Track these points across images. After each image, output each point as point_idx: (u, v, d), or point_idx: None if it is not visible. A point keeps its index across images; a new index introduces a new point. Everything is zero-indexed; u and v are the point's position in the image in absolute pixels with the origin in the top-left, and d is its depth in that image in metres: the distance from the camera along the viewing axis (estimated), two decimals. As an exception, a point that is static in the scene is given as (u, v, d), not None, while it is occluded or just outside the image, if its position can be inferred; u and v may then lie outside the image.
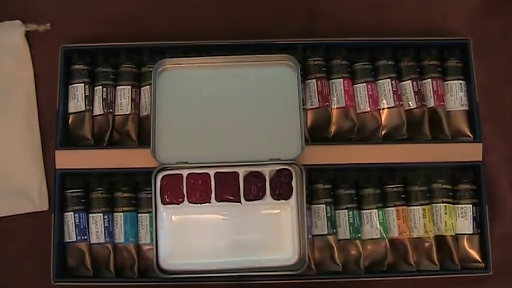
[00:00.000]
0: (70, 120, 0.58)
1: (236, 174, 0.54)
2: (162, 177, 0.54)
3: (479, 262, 0.56)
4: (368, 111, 0.58)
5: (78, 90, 0.58)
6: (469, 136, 0.58)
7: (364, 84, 0.58)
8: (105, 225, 0.56)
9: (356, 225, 0.56)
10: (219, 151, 0.55)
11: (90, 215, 0.56)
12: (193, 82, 0.57)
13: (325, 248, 0.56)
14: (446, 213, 0.56)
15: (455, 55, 0.59)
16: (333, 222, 0.56)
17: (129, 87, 0.59)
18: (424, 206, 0.56)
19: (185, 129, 0.56)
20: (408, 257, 0.56)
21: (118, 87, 0.59)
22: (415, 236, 0.56)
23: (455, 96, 0.59)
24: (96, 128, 0.58)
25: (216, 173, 0.54)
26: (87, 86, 0.58)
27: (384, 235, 0.56)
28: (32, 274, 0.57)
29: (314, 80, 0.58)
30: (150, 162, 0.55)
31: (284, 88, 0.56)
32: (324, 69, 0.59)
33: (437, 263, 0.56)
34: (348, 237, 0.56)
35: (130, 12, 0.63)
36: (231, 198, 0.54)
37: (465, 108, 0.59)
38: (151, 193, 0.54)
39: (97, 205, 0.56)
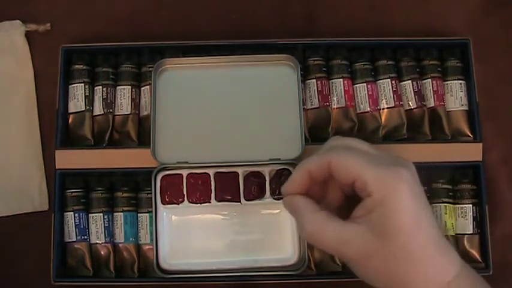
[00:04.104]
0: (70, 120, 0.58)
1: (236, 174, 0.54)
2: (162, 177, 0.54)
3: (479, 262, 0.56)
4: (368, 111, 0.58)
5: (78, 90, 0.58)
6: (469, 136, 0.58)
7: (364, 84, 0.58)
8: (105, 225, 0.56)
9: (356, 225, 0.56)
10: (219, 151, 0.55)
11: (90, 215, 0.56)
12: (193, 82, 0.57)
13: (325, 248, 0.56)
14: (446, 213, 0.56)
15: (455, 55, 0.59)
16: (333, 222, 0.56)
17: (129, 87, 0.59)
18: (424, 206, 0.56)
19: (185, 129, 0.56)
20: (408, 257, 0.56)
21: (118, 87, 0.59)
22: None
23: (455, 96, 0.59)
24: (96, 128, 0.58)
25: (216, 173, 0.55)
26: (87, 86, 0.58)
27: (384, 235, 0.56)
28: (32, 274, 0.57)
29: (314, 80, 0.58)
30: (150, 162, 0.55)
31: (284, 88, 0.56)
32: (324, 69, 0.59)
33: (437, 263, 0.56)
34: (348, 237, 0.56)
35: (130, 12, 0.63)
36: (231, 198, 0.54)
37: (465, 108, 0.59)
38: (151, 193, 0.54)
39: (97, 205, 0.56)
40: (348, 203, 0.41)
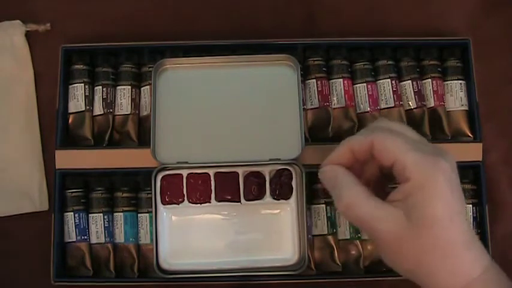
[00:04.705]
0: (70, 120, 0.58)
1: (236, 174, 0.54)
2: (162, 177, 0.54)
3: (479, 262, 0.56)
4: (368, 111, 0.58)
5: (78, 90, 0.58)
6: (469, 136, 0.58)
7: (364, 84, 0.58)
8: (105, 225, 0.56)
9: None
10: (219, 151, 0.55)
11: (90, 215, 0.56)
12: (193, 82, 0.57)
13: (325, 248, 0.56)
14: (446, 213, 0.56)
15: (455, 55, 0.59)
16: (333, 222, 0.56)
17: (129, 87, 0.59)
18: (424, 206, 0.56)
19: (185, 129, 0.56)
20: (408, 257, 0.56)
21: (118, 87, 0.59)
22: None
23: (455, 96, 0.59)
24: (96, 128, 0.58)
25: (216, 173, 0.55)
26: (87, 86, 0.58)
27: (384, 235, 0.56)
28: (32, 274, 0.57)
29: (314, 80, 0.58)
30: (150, 162, 0.55)
31: (284, 88, 0.56)
32: (324, 69, 0.59)
33: (437, 263, 0.56)
34: (348, 237, 0.56)
35: (130, 12, 0.63)
36: (231, 198, 0.54)
37: (465, 108, 0.59)
38: (151, 193, 0.54)
39: (97, 205, 0.56)
40: (383, 185, 0.42)
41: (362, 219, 0.40)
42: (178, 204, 0.54)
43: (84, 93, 0.58)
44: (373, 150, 0.40)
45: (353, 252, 0.56)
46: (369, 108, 0.58)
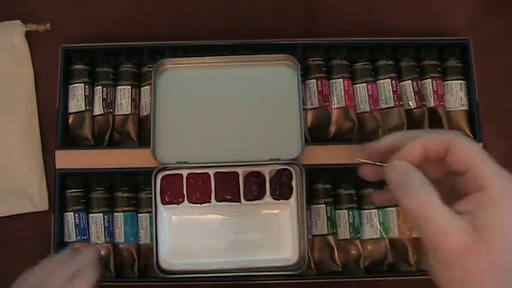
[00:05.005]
0: (70, 120, 0.58)
1: (236, 174, 0.54)
2: (162, 177, 0.54)
3: (479, 262, 0.56)
4: (368, 111, 0.58)
5: (78, 90, 0.58)
6: (469, 136, 0.58)
7: (364, 84, 0.58)
8: (105, 225, 0.56)
9: (356, 225, 0.56)
10: (219, 151, 0.55)
11: (90, 215, 0.56)
12: (193, 82, 0.57)
13: (325, 248, 0.56)
14: (446, 213, 0.56)
15: (455, 55, 0.59)
16: (333, 222, 0.56)
17: (129, 87, 0.59)
18: (424, 206, 0.56)
19: (185, 129, 0.56)
20: (408, 257, 0.56)
21: (118, 87, 0.59)
22: (415, 236, 0.56)
23: (455, 96, 0.59)
24: (96, 128, 0.58)
25: (216, 173, 0.55)
26: (87, 86, 0.58)
27: (384, 235, 0.56)
28: (32, 274, 0.57)
29: (314, 80, 0.58)
30: (150, 162, 0.55)
31: (284, 88, 0.56)
32: (324, 69, 0.59)
33: (437, 263, 0.56)
34: (348, 237, 0.56)
35: (130, 12, 0.63)
36: (231, 198, 0.54)
37: (465, 108, 0.59)
38: (151, 193, 0.54)
39: (97, 205, 0.56)
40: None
41: (430, 223, 0.36)
42: (178, 204, 0.54)
43: (84, 93, 0.58)
44: (448, 153, 0.38)
45: (353, 252, 0.56)
46: (368, 108, 0.58)
